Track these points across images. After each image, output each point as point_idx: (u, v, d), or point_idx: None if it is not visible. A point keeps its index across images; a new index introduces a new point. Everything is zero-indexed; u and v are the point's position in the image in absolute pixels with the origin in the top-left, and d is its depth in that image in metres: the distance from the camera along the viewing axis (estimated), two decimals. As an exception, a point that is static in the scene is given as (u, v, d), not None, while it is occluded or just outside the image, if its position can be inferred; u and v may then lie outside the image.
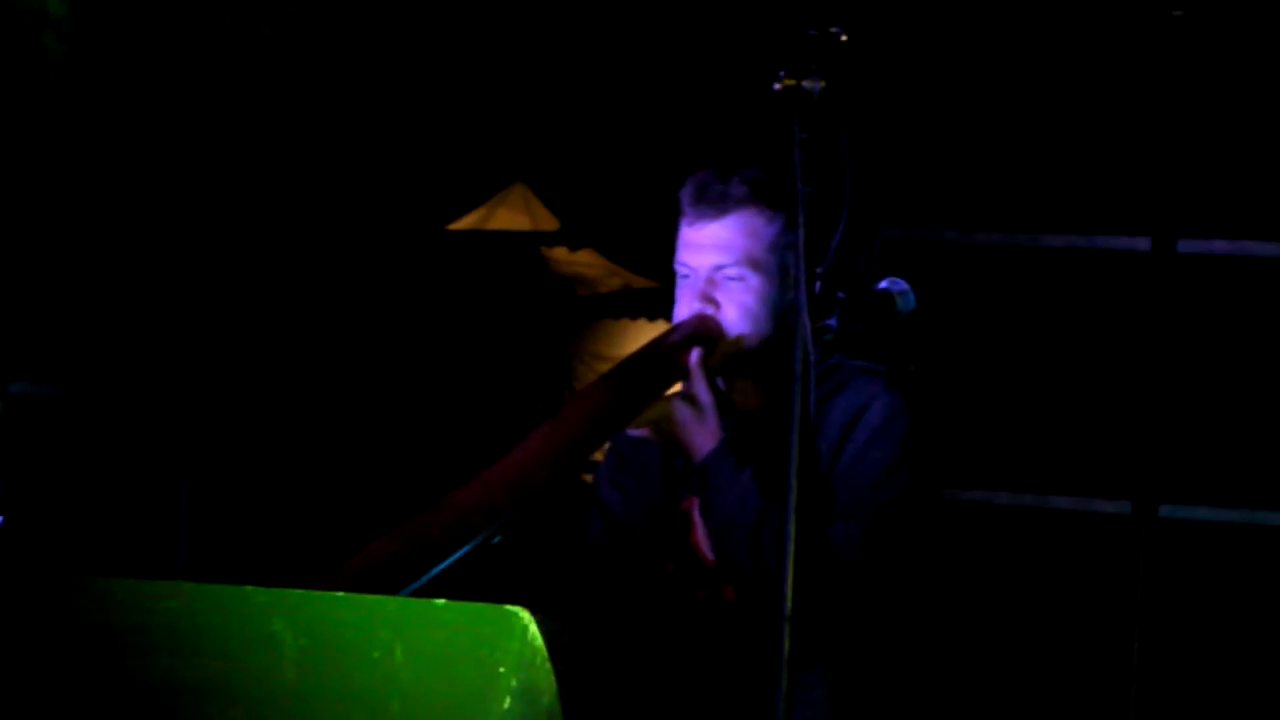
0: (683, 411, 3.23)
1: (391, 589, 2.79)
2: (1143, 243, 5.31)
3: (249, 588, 2.43)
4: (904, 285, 3.29)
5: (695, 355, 3.23)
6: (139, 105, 6.73)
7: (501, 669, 2.33)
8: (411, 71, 7.54)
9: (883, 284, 3.29)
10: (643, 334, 8.86)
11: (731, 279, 3.27)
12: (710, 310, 3.27)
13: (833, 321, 3.18)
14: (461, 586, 2.64)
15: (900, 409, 3.26)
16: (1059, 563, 5.70)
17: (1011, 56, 5.60)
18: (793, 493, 2.82)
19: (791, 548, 2.81)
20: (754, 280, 3.27)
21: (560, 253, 9.04)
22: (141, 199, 6.89)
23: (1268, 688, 5.60)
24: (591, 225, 8.88)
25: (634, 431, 3.23)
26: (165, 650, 2.41)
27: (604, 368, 3.33)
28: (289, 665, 2.38)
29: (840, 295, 3.20)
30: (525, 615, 2.36)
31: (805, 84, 2.90)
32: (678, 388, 3.26)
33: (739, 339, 3.26)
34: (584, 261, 9.16)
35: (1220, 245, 5.30)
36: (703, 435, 3.23)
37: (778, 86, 2.91)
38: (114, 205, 6.86)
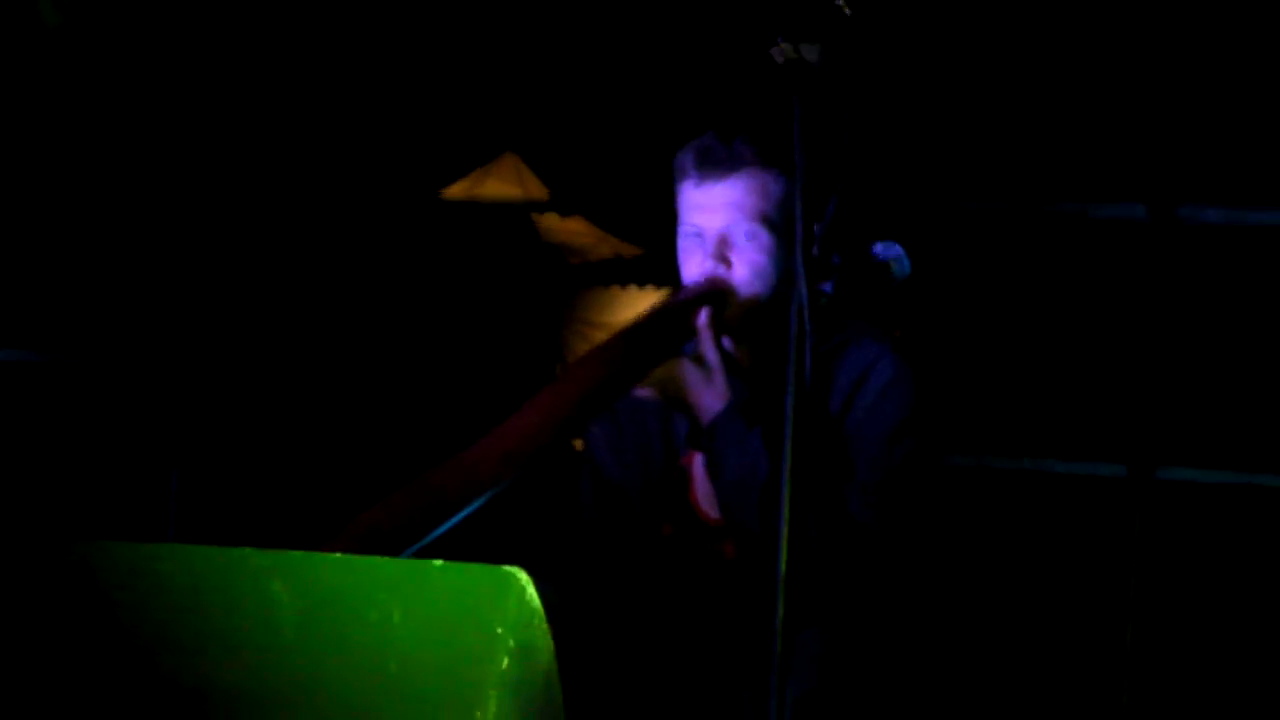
0: (690, 372, 3.24)
1: (393, 551, 2.80)
2: (1139, 210, 5.32)
3: (247, 549, 2.44)
4: (899, 251, 3.31)
5: (704, 316, 3.24)
6: (125, 74, 6.72)
7: (499, 629, 2.34)
8: (404, 41, 7.53)
9: (878, 249, 3.30)
10: (633, 301, 8.85)
11: (745, 237, 3.28)
12: (722, 270, 3.27)
13: (828, 287, 3.19)
14: (454, 551, 2.64)
15: (907, 370, 3.28)
16: (1056, 527, 5.72)
17: (1007, 21, 5.60)
18: (788, 456, 2.83)
19: (786, 510, 2.82)
20: (765, 238, 3.28)
21: (551, 220, 9.02)
22: (130, 169, 6.88)
23: (1260, 647, 5.64)
24: (581, 193, 8.87)
25: (640, 392, 3.24)
26: (163, 612, 2.42)
27: (595, 335, 3.33)
28: (287, 626, 2.39)
29: (835, 260, 3.21)
30: (523, 576, 2.37)
31: (804, 52, 2.91)
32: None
33: (753, 298, 3.27)
34: (574, 230, 9.14)
35: (1217, 213, 5.31)
36: (711, 396, 3.23)
37: (777, 53, 2.92)
38: (101, 174, 6.85)
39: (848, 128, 2.96)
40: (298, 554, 2.43)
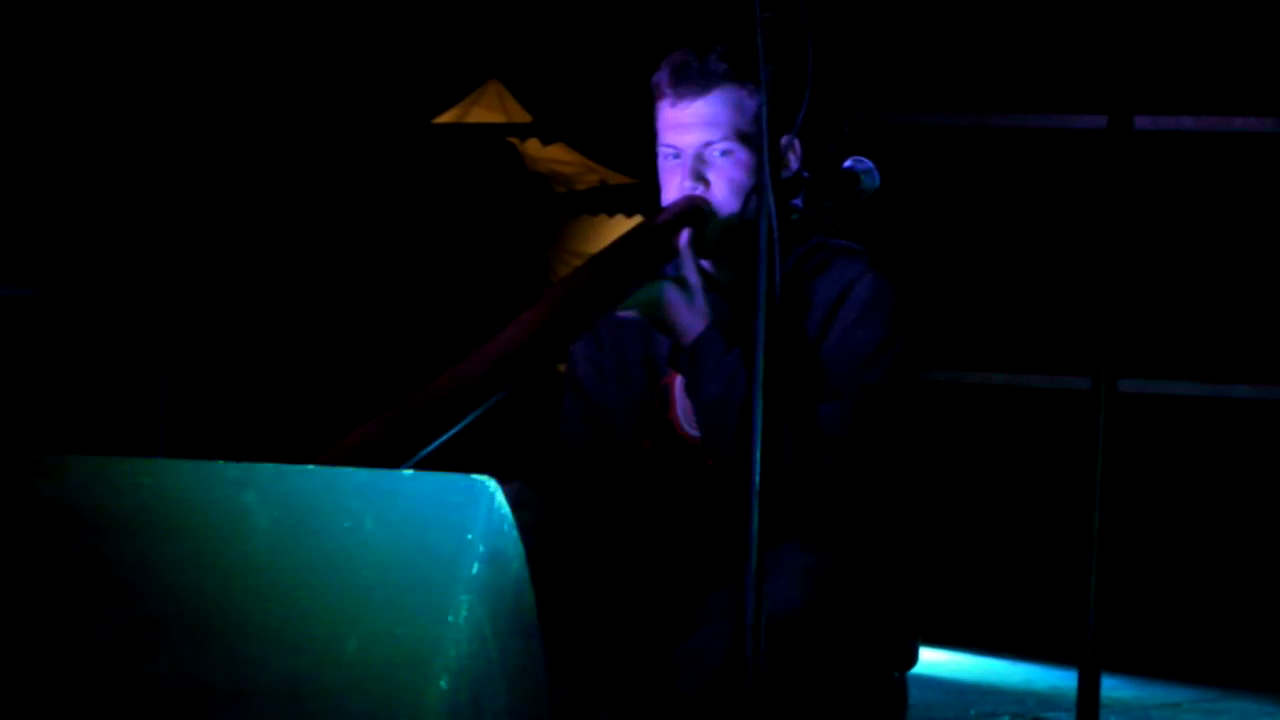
0: (671, 293, 3.23)
1: (385, 466, 2.80)
2: (1100, 121, 5.32)
3: (220, 462, 2.45)
4: (869, 164, 3.31)
5: (684, 236, 3.22)
6: (119, 2, 6.72)
7: (469, 536, 2.36)
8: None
9: (847, 163, 3.31)
10: (619, 230, 8.86)
11: (721, 154, 3.28)
12: (701, 189, 3.27)
13: (798, 201, 3.20)
14: (437, 467, 2.66)
15: (886, 288, 3.28)
16: (1033, 439, 5.76)
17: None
18: (759, 370, 2.85)
19: (759, 424, 2.84)
20: (743, 154, 3.27)
21: (533, 146, 9.03)
22: (118, 97, 6.88)
23: (1217, 550, 5.71)
24: (565, 121, 8.89)
25: (623, 313, 3.25)
26: (136, 526, 2.42)
27: (581, 264, 3.33)
28: (261, 538, 2.41)
29: (805, 175, 3.22)
30: (492, 483, 2.39)
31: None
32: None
33: (732, 216, 3.27)
34: (560, 158, 9.15)
35: (1175, 122, 5.31)
36: (691, 316, 3.23)
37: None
38: (88, 102, 6.85)
39: (812, 37, 2.96)
40: (270, 465, 2.44)
